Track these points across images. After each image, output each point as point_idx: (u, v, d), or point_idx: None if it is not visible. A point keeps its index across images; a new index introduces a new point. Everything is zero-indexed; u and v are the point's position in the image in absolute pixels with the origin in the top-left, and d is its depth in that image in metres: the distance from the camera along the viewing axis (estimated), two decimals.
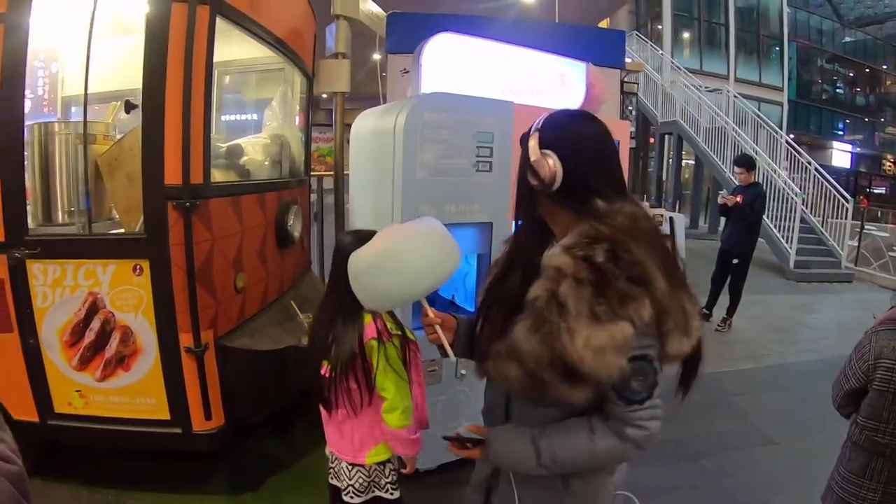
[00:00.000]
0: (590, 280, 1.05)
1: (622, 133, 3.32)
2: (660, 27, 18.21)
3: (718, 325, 5.95)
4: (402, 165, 2.48)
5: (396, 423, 1.83)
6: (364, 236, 1.69)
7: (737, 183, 6.22)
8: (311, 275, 4.34)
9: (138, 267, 2.43)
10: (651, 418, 1.13)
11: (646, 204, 4.53)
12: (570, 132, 1.20)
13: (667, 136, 14.26)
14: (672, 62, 14.83)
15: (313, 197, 4.68)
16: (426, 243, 1.41)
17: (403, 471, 1.98)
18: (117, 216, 2.84)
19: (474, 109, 2.61)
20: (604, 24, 18.20)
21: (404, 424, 1.84)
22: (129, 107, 2.64)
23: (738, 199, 5.73)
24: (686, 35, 18.86)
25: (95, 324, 2.53)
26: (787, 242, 9.11)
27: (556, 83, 3.14)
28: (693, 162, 14.22)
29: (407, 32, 4.25)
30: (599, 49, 4.67)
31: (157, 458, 3.05)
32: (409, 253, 1.39)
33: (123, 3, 2.74)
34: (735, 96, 12.38)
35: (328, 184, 4.52)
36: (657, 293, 1.05)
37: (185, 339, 2.45)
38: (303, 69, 3.87)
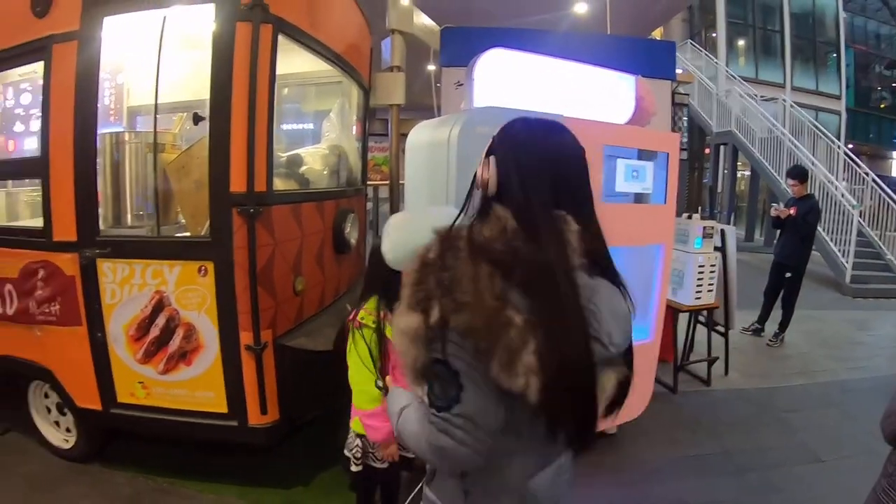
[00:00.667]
0: (414, 272, 1.09)
1: (671, 145, 3.34)
2: (714, 35, 17.90)
3: (770, 340, 5.88)
4: (455, 176, 2.59)
5: (356, 402, 2.13)
6: None
7: (791, 195, 6.13)
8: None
9: (203, 268, 2.60)
10: (441, 431, 1.08)
11: (683, 216, 4.49)
12: (515, 140, 1.19)
13: (721, 147, 13.99)
14: (727, 71, 14.57)
15: (369, 205, 4.86)
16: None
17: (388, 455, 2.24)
18: (183, 220, 3.03)
19: None
20: (657, 33, 17.92)
21: (362, 406, 2.11)
22: (196, 119, 2.83)
23: (792, 211, 5.68)
24: (741, 43, 18.43)
25: (161, 320, 2.71)
26: (843, 256, 8.86)
27: (605, 96, 3.19)
28: (748, 173, 13.92)
29: (460, 46, 4.36)
30: (650, 60, 4.67)
31: (212, 450, 3.23)
32: (437, 213, 1.58)
33: (190, 21, 2.91)
34: (791, 105, 12.08)
35: (384, 193, 4.69)
36: (460, 306, 1.01)
37: (246, 338, 2.61)
38: (359, 82, 4.02)
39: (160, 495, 3.08)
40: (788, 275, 5.87)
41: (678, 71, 7.52)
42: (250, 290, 2.57)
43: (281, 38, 2.70)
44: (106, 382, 2.91)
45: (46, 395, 3.42)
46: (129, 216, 3.01)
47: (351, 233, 3.58)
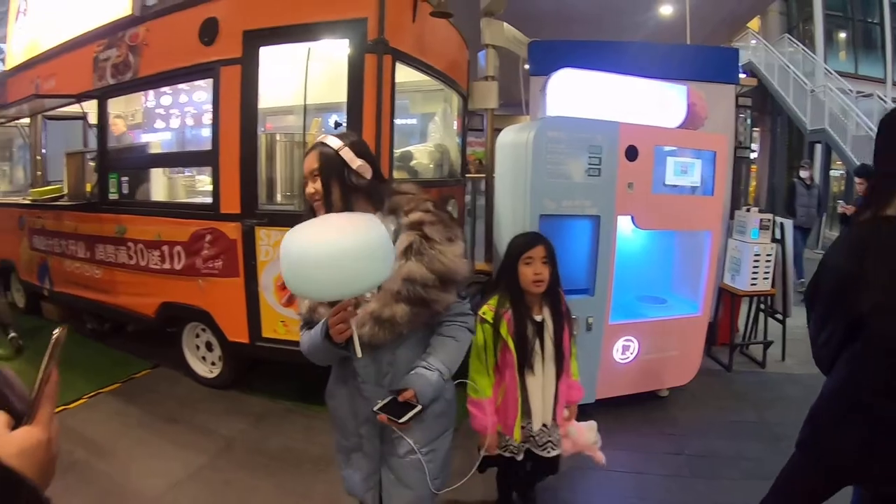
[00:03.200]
0: (436, 220, 1.68)
1: (718, 144, 4.01)
2: (811, 29, 17.58)
3: None
4: (531, 170, 3.41)
5: (468, 389, 2.29)
6: (532, 238, 2.40)
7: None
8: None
9: None
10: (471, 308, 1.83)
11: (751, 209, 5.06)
12: (366, 147, 1.83)
13: (816, 146, 13.87)
14: (824, 66, 14.39)
15: (468, 198, 5.79)
16: (359, 253, 1.46)
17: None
18: None
19: (587, 128, 3.49)
20: (754, 25, 17.71)
21: (469, 393, 2.31)
22: (336, 124, 3.79)
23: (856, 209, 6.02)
24: (841, 36, 17.93)
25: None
26: None
27: (658, 104, 3.90)
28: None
29: (544, 57, 5.07)
30: (714, 66, 5.24)
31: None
32: (340, 258, 1.44)
33: (328, 50, 3.88)
34: (888, 102, 11.92)
35: (482, 185, 5.57)
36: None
37: None
38: (458, 91, 4.97)
39: (285, 413, 4.11)
40: None
41: (741, 75, 7.92)
42: None
43: (398, 64, 3.64)
44: (254, 321, 3.95)
45: (198, 335, 4.55)
46: (279, 195, 4.01)
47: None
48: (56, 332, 0.78)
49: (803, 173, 8.23)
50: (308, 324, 1.80)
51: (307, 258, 1.44)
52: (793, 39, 16.13)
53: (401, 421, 1.58)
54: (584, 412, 3.86)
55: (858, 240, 1.66)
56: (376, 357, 1.72)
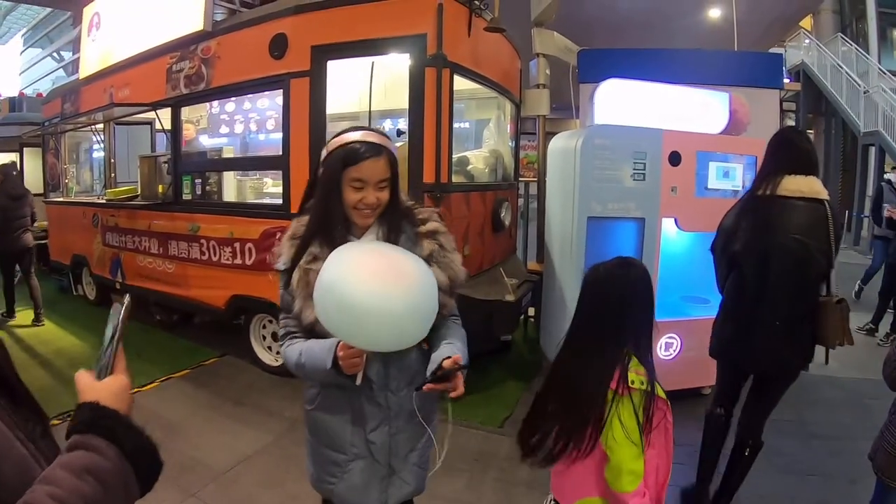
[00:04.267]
0: (446, 230, 1.73)
1: (759, 149, 4.20)
2: (865, 27, 17.23)
3: (881, 340, 6.10)
4: (579, 175, 3.72)
5: (618, 487, 1.61)
6: (627, 267, 1.72)
7: None
8: (515, 257, 5.87)
9: None
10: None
11: None
12: None
13: (870, 149, 13.48)
14: (877, 66, 14.12)
15: (521, 201, 6.12)
16: (405, 308, 1.41)
17: None
18: None
19: (631, 136, 3.77)
20: (807, 24, 17.39)
21: (627, 490, 1.60)
22: (399, 132, 4.16)
23: None
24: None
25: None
26: None
27: (700, 111, 4.15)
28: None
29: (592, 66, 5.36)
30: (758, 72, 5.44)
31: None
32: (383, 311, 1.37)
33: (391, 64, 4.26)
34: None
35: (534, 189, 5.87)
36: None
37: None
38: (511, 99, 5.34)
39: None
40: None
41: (786, 80, 8.00)
42: None
43: (455, 76, 4.00)
44: None
45: (264, 326, 4.97)
46: None
47: (505, 217, 4.86)
48: (126, 299, 0.99)
49: (892, 176, 7.14)
50: (299, 332, 1.69)
51: (360, 306, 1.36)
52: (845, 38, 15.79)
53: (454, 379, 1.51)
54: None
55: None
56: (386, 361, 1.67)
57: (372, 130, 1.64)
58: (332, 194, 1.60)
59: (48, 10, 24.86)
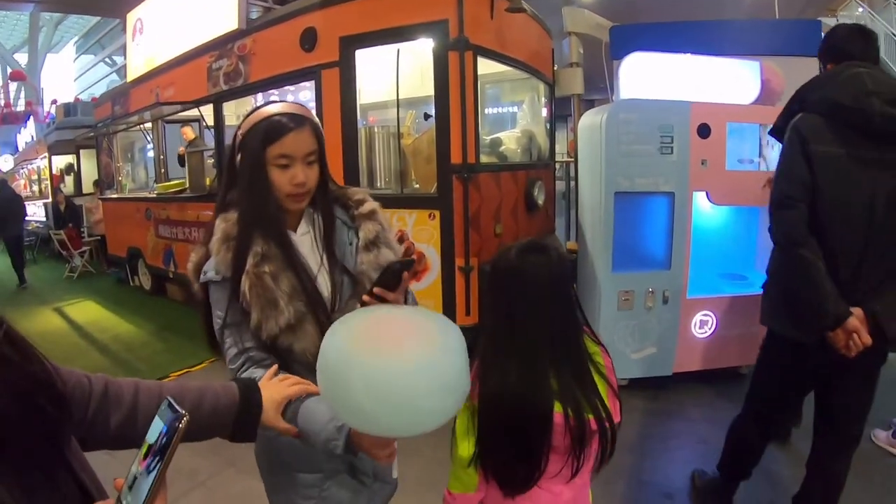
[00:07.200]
0: (380, 209, 1.60)
1: None
2: None
3: None
4: (605, 150, 3.74)
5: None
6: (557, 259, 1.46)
7: None
8: (554, 236, 5.91)
9: (432, 215, 4.02)
10: None
11: None
12: None
13: None
14: None
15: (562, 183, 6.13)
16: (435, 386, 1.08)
17: None
18: (416, 184, 4.48)
19: (657, 109, 3.75)
20: None
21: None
22: (426, 116, 4.24)
23: None
24: None
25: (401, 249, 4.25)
26: None
27: (731, 82, 4.07)
28: None
29: (623, 41, 5.24)
30: (795, 40, 5.26)
31: None
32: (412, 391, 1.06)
33: (416, 51, 4.33)
34: None
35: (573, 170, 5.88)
36: None
37: (459, 261, 3.99)
38: (543, 79, 5.36)
39: None
40: None
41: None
42: (464, 229, 3.95)
43: (479, 58, 4.04)
44: None
45: None
46: (380, 180, 4.54)
47: (538, 196, 4.90)
48: (184, 420, 0.78)
49: None
50: (258, 354, 1.40)
51: (368, 387, 1.05)
52: None
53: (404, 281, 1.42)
54: (661, 385, 4.12)
55: None
56: None
57: (288, 102, 1.45)
58: (258, 179, 1.38)
59: (98, 17, 25.65)
